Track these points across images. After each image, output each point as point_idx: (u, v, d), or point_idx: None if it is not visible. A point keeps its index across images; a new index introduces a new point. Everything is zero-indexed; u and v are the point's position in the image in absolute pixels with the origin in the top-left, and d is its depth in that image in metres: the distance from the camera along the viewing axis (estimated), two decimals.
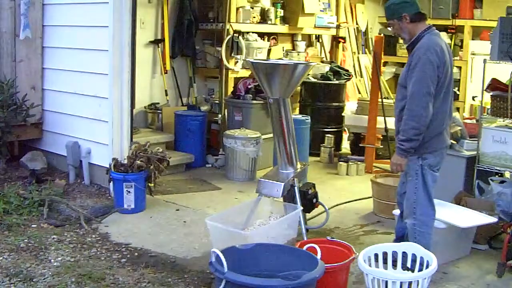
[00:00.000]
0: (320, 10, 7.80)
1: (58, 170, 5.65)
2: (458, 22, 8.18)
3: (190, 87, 7.02)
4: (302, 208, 4.02)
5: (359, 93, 8.53)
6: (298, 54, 7.69)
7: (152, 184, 4.89)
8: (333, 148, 6.88)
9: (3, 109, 5.24)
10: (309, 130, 6.40)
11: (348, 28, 8.59)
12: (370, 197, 5.14)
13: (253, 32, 6.99)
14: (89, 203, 4.89)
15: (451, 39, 8.40)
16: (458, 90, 7.70)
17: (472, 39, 7.97)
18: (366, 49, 9.01)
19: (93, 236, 4.26)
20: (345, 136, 7.51)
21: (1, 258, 3.74)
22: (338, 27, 8.28)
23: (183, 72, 6.95)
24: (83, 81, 5.36)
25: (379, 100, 6.40)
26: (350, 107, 7.23)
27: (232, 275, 2.72)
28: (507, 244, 3.80)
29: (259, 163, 6.06)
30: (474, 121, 5.37)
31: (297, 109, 7.37)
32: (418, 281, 3.00)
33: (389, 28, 3.69)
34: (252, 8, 7.02)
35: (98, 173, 5.29)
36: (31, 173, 5.33)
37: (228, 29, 6.56)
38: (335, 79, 7.33)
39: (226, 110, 6.60)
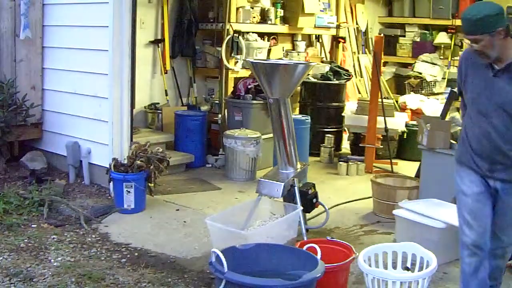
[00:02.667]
0: (320, 10, 7.80)
1: (58, 170, 5.65)
2: (458, 22, 8.19)
3: (190, 87, 7.02)
4: (302, 208, 4.02)
5: (359, 93, 8.53)
6: (298, 54, 7.69)
7: (152, 184, 4.89)
8: (333, 148, 6.88)
9: (3, 109, 5.24)
10: (309, 130, 6.40)
11: (348, 28, 8.60)
12: (370, 197, 5.14)
13: (253, 32, 6.99)
14: (89, 203, 4.89)
15: (451, 39, 8.41)
16: None
17: None
18: (366, 49, 9.02)
19: (93, 236, 4.26)
20: (345, 136, 7.51)
21: (1, 258, 3.74)
22: (338, 27, 8.29)
23: (183, 72, 6.95)
24: (83, 81, 5.36)
25: (379, 100, 6.40)
26: (350, 107, 7.23)
27: (232, 275, 2.72)
28: None
29: (259, 163, 6.06)
30: None
31: (297, 109, 7.37)
32: (418, 281, 3.00)
33: (468, 42, 2.97)
34: (252, 8, 7.02)
35: (98, 173, 5.29)
36: (31, 173, 5.33)
37: (228, 29, 6.56)
38: (335, 79, 7.33)
39: (226, 110, 6.61)
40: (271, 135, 4.76)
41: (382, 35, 7.55)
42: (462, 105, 3.30)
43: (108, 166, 4.85)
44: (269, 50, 7.23)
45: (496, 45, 2.87)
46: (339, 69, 7.57)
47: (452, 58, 8.29)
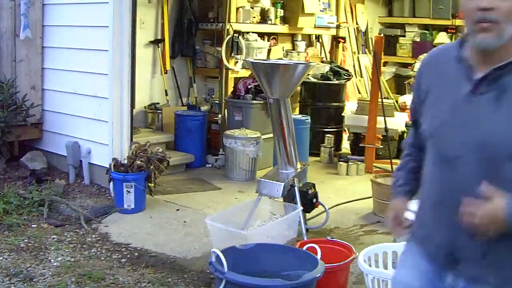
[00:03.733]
0: (320, 10, 7.80)
1: (58, 170, 5.65)
2: (458, 22, 8.20)
3: (190, 87, 7.02)
4: (302, 208, 4.02)
5: (359, 93, 8.53)
6: (298, 54, 7.69)
7: (152, 184, 4.89)
8: (333, 148, 6.88)
9: (3, 109, 5.24)
10: (309, 130, 6.40)
11: (348, 28, 8.60)
12: (370, 197, 5.14)
13: (253, 32, 6.99)
14: (89, 203, 4.89)
15: (451, 39, 8.41)
16: None
17: None
18: (366, 49, 9.02)
19: (93, 236, 4.25)
20: (345, 136, 7.51)
21: (1, 258, 3.74)
22: (338, 27, 8.29)
23: (183, 72, 6.95)
24: (83, 81, 5.37)
25: (379, 100, 6.40)
26: (350, 107, 7.23)
27: (232, 275, 2.72)
28: None
29: (259, 163, 6.06)
30: None
31: (297, 109, 7.37)
32: None
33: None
34: (252, 8, 7.02)
35: (98, 173, 5.29)
36: (31, 173, 5.33)
37: (228, 29, 6.56)
38: (335, 79, 7.33)
39: (226, 110, 6.61)
40: (271, 135, 4.76)
41: (382, 35, 7.55)
42: (408, 144, 2.05)
43: (108, 166, 4.85)
44: (269, 50, 7.23)
45: None
46: (339, 69, 7.57)
47: None
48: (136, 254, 3.97)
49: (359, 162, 6.44)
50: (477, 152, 1.63)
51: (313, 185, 4.41)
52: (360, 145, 6.75)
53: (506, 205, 1.57)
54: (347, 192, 5.68)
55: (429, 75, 1.84)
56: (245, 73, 6.77)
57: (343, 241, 3.60)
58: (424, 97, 1.82)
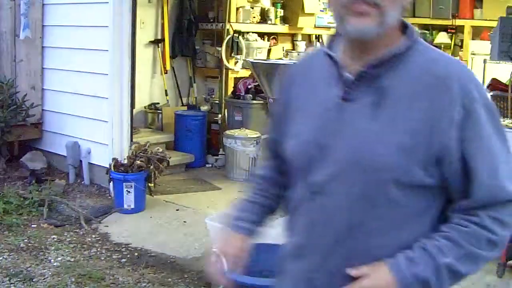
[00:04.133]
0: (320, 10, 7.79)
1: (58, 170, 5.65)
2: (458, 22, 8.19)
3: (190, 87, 7.02)
4: None
5: None
6: (298, 54, 7.69)
7: (152, 184, 4.89)
8: None
9: (3, 109, 5.24)
10: None
11: None
12: None
13: (253, 32, 6.99)
14: (89, 203, 4.89)
15: (451, 39, 8.41)
16: None
17: (472, 39, 7.97)
18: None
19: (93, 236, 4.25)
20: None
21: (1, 258, 3.74)
22: None
23: (183, 72, 6.95)
24: (83, 81, 5.36)
25: None
26: None
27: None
28: (507, 244, 3.79)
29: (259, 163, 6.06)
30: None
31: None
32: None
33: None
34: (252, 8, 7.02)
35: (98, 173, 5.29)
36: (31, 173, 5.32)
37: (228, 29, 6.56)
38: None
39: (226, 110, 6.60)
40: None
41: None
42: (260, 177, 1.65)
43: (108, 166, 4.85)
44: (269, 50, 7.23)
45: (398, 7, 1.24)
46: None
47: None
48: (136, 254, 3.97)
49: None
50: (351, 176, 1.24)
51: None
52: None
53: (392, 272, 1.23)
54: None
55: (293, 88, 1.41)
56: (245, 73, 6.77)
57: None
58: (287, 115, 1.41)
